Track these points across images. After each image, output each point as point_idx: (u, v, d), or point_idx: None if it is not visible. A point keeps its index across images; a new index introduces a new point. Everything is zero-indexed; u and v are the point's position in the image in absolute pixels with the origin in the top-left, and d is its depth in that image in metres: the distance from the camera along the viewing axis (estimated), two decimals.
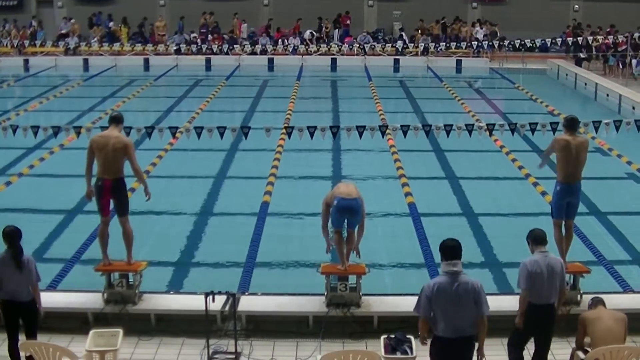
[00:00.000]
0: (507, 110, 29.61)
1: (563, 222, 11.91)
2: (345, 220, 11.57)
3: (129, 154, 11.80)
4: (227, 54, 42.17)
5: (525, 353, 9.90)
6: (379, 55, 42.74)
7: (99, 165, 11.76)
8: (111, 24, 44.91)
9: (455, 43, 42.27)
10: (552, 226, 11.80)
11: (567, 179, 11.81)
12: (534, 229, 9.68)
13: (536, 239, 9.54)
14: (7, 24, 44.63)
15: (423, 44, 42.22)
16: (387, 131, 17.35)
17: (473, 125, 16.99)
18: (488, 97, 32.78)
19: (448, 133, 16.63)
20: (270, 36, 44.35)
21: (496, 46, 41.27)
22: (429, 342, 8.89)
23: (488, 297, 11.50)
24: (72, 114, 27.95)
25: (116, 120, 12.07)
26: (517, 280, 9.56)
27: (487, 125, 17.05)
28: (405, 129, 16.53)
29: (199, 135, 16.33)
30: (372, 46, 43.08)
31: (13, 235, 9.69)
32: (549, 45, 41.72)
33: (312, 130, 16.23)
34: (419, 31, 44.03)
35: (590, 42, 39.78)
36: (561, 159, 11.91)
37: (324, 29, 44.94)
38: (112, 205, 11.98)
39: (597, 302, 10.02)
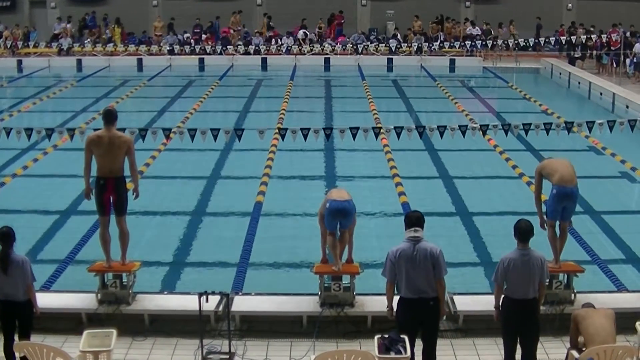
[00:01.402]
0: (500, 109, 29.64)
1: (558, 223, 11.87)
2: (338, 223, 11.59)
3: (130, 152, 11.80)
4: (220, 54, 42.16)
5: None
6: (373, 54, 42.75)
7: (101, 165, 11.70)
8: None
9: (448, 42, 42.32)
10: (547, 226, 11.78)
11: (562, 181, 11.71)
12: (519, 220, 9.69)
13: (517, 233, 9.58)
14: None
15: (416, 44, 42.26)
16: (381, 132, 17.34)
17: (467, 126, 17.00)
18: (482, 97, 32.80)
19: (442, 134, 16.63)
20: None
21: (489, 45, 41.31)
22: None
23: (481, 297, 11.72)
24: (66, 114, 27.99)
25: (112, 117, 11.96)
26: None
27: (480, 125, 17.06)
28: (398, 131, 16.53)
29: (192, 137, 16.32)
30: (366, 46, 43.08)
31: (3, 236, 9.69)
32: (542, 44, 41.72)
33: (305, 132, 16.23)
34: (412, 30, 44.05)
35: (584, 41, 39.74)
36: (549, 165, 11.86)
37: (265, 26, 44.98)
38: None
39: (587, 307, 10.08)
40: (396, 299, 9.69)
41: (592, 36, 39.53)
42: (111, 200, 11.75)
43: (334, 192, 11.78)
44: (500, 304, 9.74)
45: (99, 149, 11.69)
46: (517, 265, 9.44)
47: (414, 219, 9.57)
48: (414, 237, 9.45)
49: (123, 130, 15.33)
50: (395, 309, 9.71)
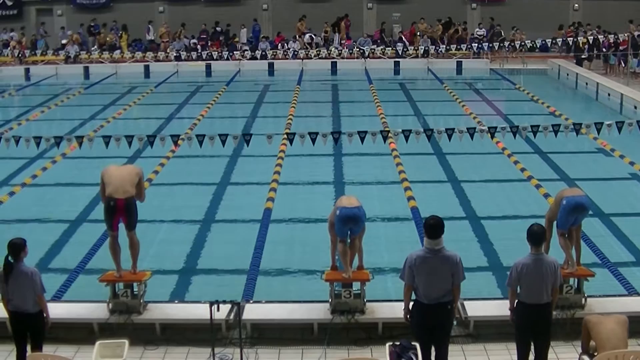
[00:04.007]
0: (508, 111, 29.61)
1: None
2: (349, 230, 11.58)
3: (140, 182, 11.91)
4: (227, 59, 42.13)
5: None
6: (379, 58, 42.75)
7: (110, 187, 11.72)
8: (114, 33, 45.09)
9: (455, 45, 42.30)
10: (557, 235, 11.71)
11: (572, 192, 11.77)
12: (532, 225, 9.70)
13: (530, 238, 9.59)
14: (7, 33, 44.80)
15: (423, 46, 42.29)
16: (389, 135, 17.35)
17: (475, 128, 17.00)
18: (489, 99, 32.77)
19: (450, 137, 16.64)
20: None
21: (496, 47, 41.29)
22: None
23: (492, 302, 11.70)
24: (74, 122, 28.05)
25: None
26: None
27: (488, 128, 17.06)
28: (406, 134, 16.54)
29: (200, 143, 16.36)
30: (372, 49, 43.06)
31: (11, 247, 9.73)
32: (549, 45, 41.67)
33: (313, 136, 16.25)
34: (418, 33, 44.04)
35: (591, 41, 39.64)
36: (560, 193, 11.87)
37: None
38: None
39: None
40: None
41: (599, 36, 39.47)
42: (121, 219, 11.79)
43: (344, 199, 11.77)
44: (514, 307, 9.74)
45: (109, 177, 11.81)
46: (530, 270, 9.45)
47: (433, 229, 9.37)
48: (434, 250, 9.36)
49: (132, 137, 15.66)
50: (410, 313, 9.69)
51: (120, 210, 11.64)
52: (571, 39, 40.75)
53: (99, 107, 31.37)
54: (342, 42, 44.42)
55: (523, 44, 40.75)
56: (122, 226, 11.90)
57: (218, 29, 45.42)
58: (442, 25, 44.98)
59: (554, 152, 21.65)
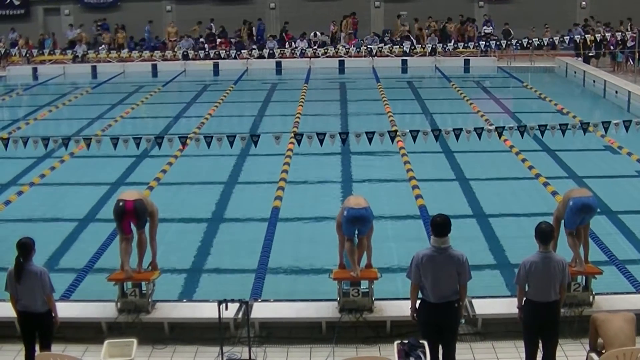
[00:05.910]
0: (515, 109, 29.54)
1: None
2: (356, 230, 11.60)
3: (153, 218, 11.97)
4: (235, 58, 42.11)
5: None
6: (387, 56, 42.71)
7: (121, 195, 11.84)
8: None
9: (462, 43, 42.26)
10: (565, 235, 11.68)
11: (579, 193, 11.75)
12: (540, 223, 9.72)
13: (538, 236, 9.61)
14: (14, 33, 44.92)
15: (430, 45, 42.23)
16: (397, 135, 17.35)
17: (482, 128, 16.99)
18: (496, 97, 32.69)
19: (457, 137, 16.64)
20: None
21: (504, 45, 41.24)
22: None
23: (500, 300, 11.69)
24: (82, 121, 28.11)
25: None
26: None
27: (496, 127, 17.05)
28: (414, 134, 16.53)
29: (208, 144, 16.37)
30: (380, 47, 43.01)
31: (21, 247, 9.76)
32: (556, 42, 41.61)
33: (321, 137, 16.26)
34: (424, 30, 44.01)
35: (599, 39, 39.53)
36: (567, 193, 11.86)
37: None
38: None
39: None
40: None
41: (606, 34, 39.35)
42: (131, 222, 11.80)
43: (352, 199, 11.78)
44: (522, 305, 9.75)
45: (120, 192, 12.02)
46: (538, 268, 9.46)
47: (440, 227, 9.45)
48: (441, 248, 9.43)
49: (140, 138, 15.70)
50: (417, 312, 9.74)
51: (130, 212, 11.62)
52: (579, 36, 40.62)
53: (106, 106, 31.44)
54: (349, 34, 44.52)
55: (550, 39, 40.73)
56: None
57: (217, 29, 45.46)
58: (460, 23, 45.03)
59: (561, 150, 21.62)
